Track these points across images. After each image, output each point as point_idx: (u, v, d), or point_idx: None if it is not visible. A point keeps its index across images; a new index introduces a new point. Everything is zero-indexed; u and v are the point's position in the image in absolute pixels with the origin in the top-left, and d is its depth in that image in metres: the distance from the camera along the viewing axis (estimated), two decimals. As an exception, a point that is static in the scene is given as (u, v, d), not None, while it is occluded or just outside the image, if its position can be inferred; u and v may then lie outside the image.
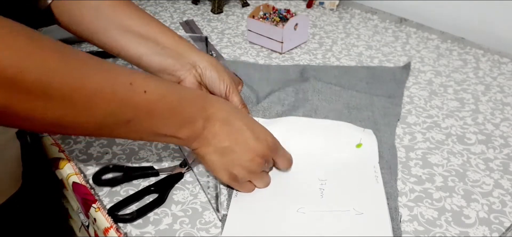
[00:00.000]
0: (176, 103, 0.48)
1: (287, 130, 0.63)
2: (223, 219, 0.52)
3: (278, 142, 0.56)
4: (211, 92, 0.62)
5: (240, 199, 0.54)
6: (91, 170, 0.59)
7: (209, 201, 0.54)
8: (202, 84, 0.63)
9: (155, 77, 0.54)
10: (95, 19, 0.61)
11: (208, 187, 0.56)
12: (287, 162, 0.57)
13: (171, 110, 0.48)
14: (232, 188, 0.55)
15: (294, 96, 0.71)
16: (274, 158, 0.56)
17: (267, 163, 0.55)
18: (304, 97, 0.70)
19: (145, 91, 0.45)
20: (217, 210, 0.53)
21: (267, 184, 0.56)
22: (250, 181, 0.55)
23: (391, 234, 0.49)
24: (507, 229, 0.51)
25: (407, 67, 0.83)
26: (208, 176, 0.57)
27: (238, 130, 0.52)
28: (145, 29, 0.61)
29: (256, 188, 0.56)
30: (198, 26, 1.01)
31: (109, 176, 0.57)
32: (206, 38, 0.92)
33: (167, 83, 0.51)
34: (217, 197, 0.55)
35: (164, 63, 0.62)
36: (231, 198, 0.54)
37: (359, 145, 0.61)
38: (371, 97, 0.73)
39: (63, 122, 0.40)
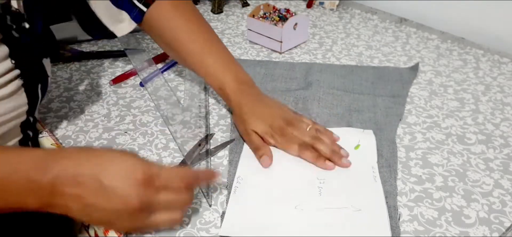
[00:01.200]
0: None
1: None
2: (221, 216, 0.52)
3: (159, 168, 0.45)
4: None
5: (238, 195, 0.54)
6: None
7: (201, 190, 0.55)
8: None
9: None
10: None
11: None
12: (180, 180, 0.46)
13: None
14: (231, 186, 0.55)
15: (294, 106, 0.71)
16: (165, 185, 0.45)
17: (149, 206, 0.44)
18: (304, 107, 0.70)
19: None
20: (207, 195, 0.54)
21: (175, 221, 0.47)
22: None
23: (389, 232, 0.49)
24: (507, 229, 0.51)
25: (415, 68, 0.83)
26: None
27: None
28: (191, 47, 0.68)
29: (254, 185, 0.55)
30: (198, 26, 1.00)
31: None
32: None
33: None
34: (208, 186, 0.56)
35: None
36: (230, 194, 0.54)
37: (357, 147, 0.62)
38: (375, 98, 0.74)
39: None
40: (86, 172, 0.43)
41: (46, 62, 0.59)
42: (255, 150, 0.60)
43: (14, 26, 0.51)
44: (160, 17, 0.69)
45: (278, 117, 0.62)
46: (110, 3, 0.68)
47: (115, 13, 0.68)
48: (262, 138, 0.61)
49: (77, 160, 0.44)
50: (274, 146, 0.61)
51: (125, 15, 0.69)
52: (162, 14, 0.69)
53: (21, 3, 0.52)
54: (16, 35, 0.51)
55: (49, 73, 0.59)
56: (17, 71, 0.52)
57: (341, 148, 0.61)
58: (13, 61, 0.51)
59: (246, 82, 0.67)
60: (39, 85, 0.56)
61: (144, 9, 0.68)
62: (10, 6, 0.50)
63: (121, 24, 0.69)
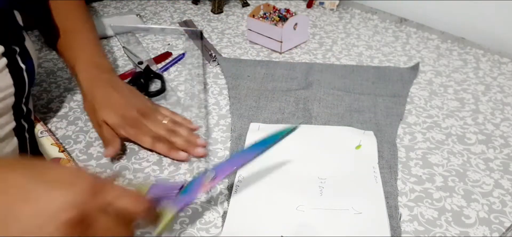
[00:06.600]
0: None
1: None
2: (222, 216, 0.52)
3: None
4: None
5: (240, 196, 0.54)
6: (91, 170, 0.59)
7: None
8: None
9: None
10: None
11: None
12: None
13: None
14: (231, 187, 0.55)
15: (295, 106, 0.71)
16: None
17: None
18: (305, 107, 0.70)
19: None
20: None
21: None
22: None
23: (389, 234, 0.49)
24: (507, 229, 0.51)
25: (415, 68, 0.83)
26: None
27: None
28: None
29: (256, 185, 0.55)
30: (198, 26, 1.00)
31: None
32: (201, 33, 0.93)
33: None
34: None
35: None
36: (230, 194, 0.54)
37: (358, 147, 0.62)
38: (375, 98, 0.74)
39: None
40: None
41: (29, 44, 0.59)
42: (105, 143, 0.58)
43: None
44: None
45: (132, 107, 0.59)
46: None
47: None
48: (113, 130, 0.59)
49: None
50: (126, 139, 0.60)
51: None
52: None
53: None
54: None
55: (33, 56, 0.59)
56: (1, 49, 0.52)
57: (198, 137, 0.59)
58: None
59: (101, 66, 0.62)
60: (24, 68, 0.56)
61: None
62: None
63: None
